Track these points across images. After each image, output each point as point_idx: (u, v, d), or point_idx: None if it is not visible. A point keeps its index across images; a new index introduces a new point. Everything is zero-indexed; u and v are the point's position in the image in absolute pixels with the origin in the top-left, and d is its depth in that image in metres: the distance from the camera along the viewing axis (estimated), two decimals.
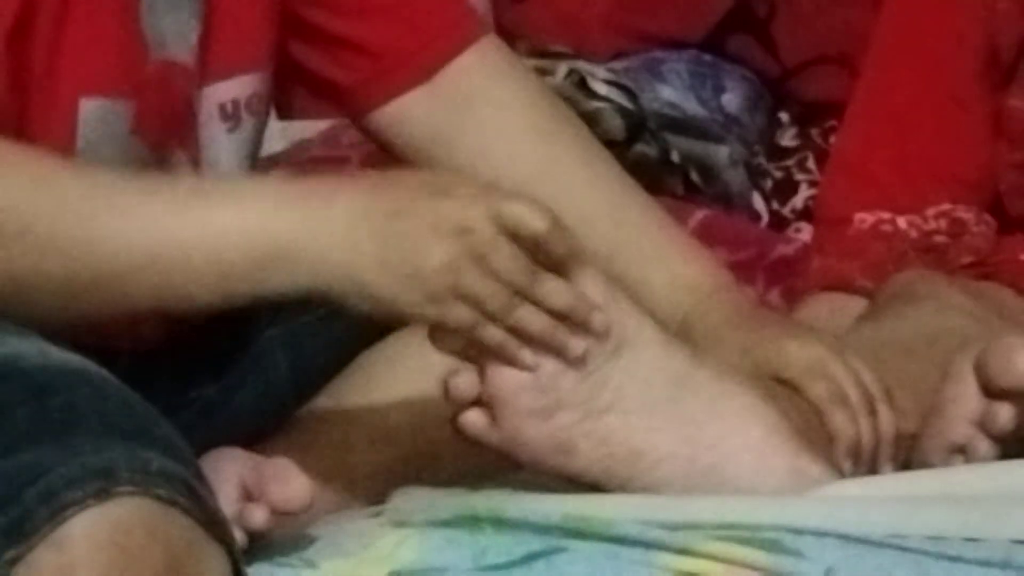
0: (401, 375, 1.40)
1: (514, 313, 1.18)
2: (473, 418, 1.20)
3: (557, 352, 1.19)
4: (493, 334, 1.18)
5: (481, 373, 1.19)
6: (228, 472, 1.22)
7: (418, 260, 1.17)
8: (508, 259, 1.17)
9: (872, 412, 1.37)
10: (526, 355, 1.19)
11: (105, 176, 1.22)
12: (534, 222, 1.17)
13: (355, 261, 1.17)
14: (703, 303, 1.43)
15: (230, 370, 1.45)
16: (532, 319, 1.18)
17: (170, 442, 1.09)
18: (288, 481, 1.21)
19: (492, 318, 1.17)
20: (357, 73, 1.49)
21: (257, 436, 1.35)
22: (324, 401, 1.42)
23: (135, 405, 1.11)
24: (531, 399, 1.20)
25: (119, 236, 1.18)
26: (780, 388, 1.37)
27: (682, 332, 1.43)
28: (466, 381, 1.19)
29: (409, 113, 1.49)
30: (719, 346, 1.43)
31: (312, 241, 1.16)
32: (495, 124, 1.48)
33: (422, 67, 1.49)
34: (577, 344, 1.19)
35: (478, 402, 1.20)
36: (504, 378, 1.19)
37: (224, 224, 1.17)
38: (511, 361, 1.19)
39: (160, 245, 1.17)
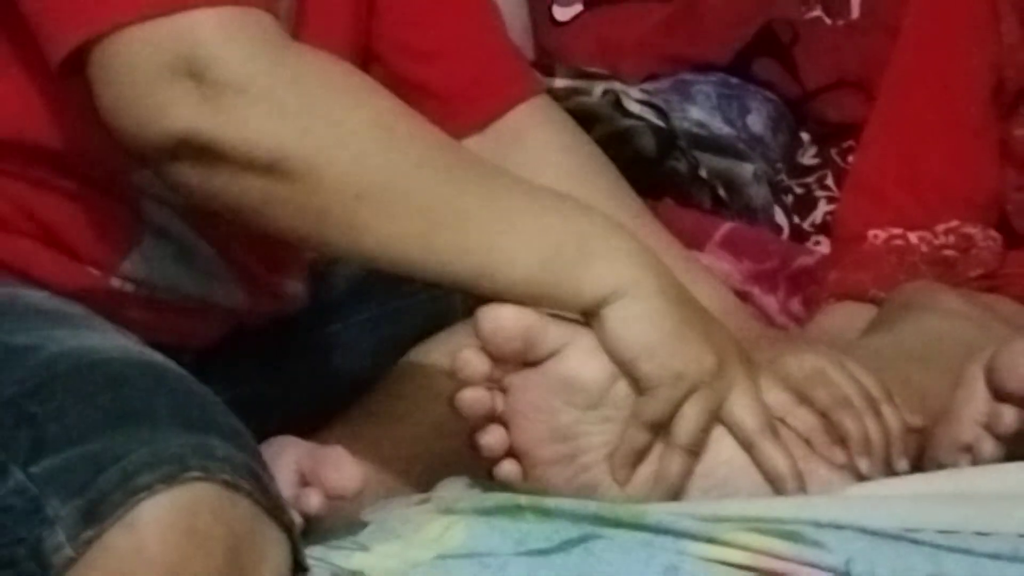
0: (447, 374, 1.41)
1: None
2: (506, 470, 1.20)
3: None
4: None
5: (507, 428, 1.19)
6: (286, 459, 1.22)
7: (702, 351, 1.19)
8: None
9: (877, 411, 1.36)
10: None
11: (462, 160, 1.24)
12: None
13: (659, 307, 1.18)
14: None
15: (286, 366, 1.46)
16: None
17: (234, 431, 1.09)
18: (341, 468, 1.21)
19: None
20: (425, 116, 1.47)
21: (313, 427, 1.35)
22: (376, 395, 1.43)
23: (202, 396, 1.12)
24: (554, 449, 1.19)
25: (466, 214, 1.19)
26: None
27: None
28: (495, 438, 1.19)
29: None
30: None
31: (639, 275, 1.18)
32: (534, 166, 1.46)
33: (482, 114, 1.49)
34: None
35: (508, 453, 1.20)
36: (527, 432, 1.19)
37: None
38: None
39: (496, 246, 1.18)
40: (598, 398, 1.18)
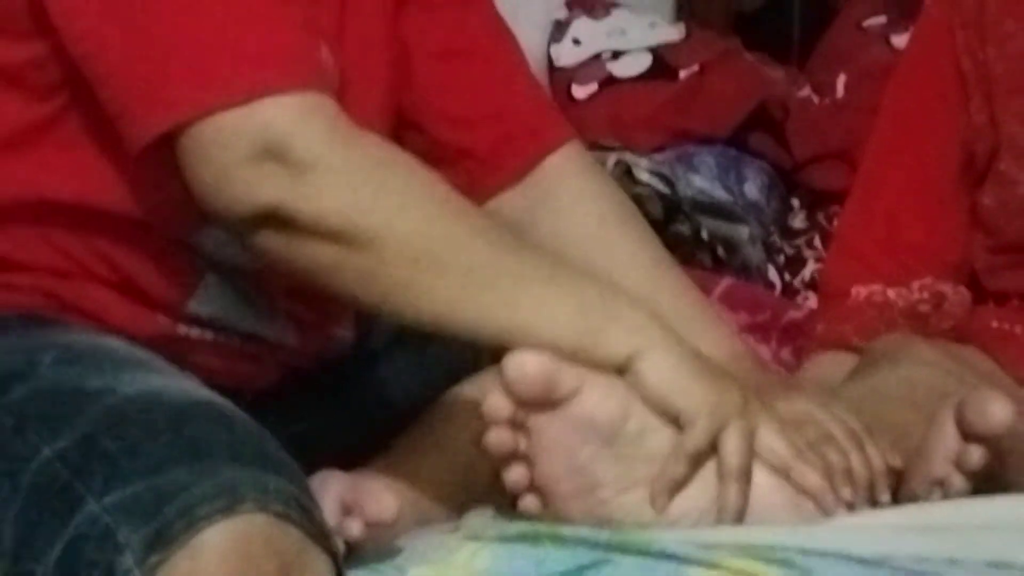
0: (476, 415, 1.40)
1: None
2: (528, 503, 1.20)
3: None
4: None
5: (529, 465, 1.18)
6: (331, 491, 1.22)
7: (727, 387, 1.21)
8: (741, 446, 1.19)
9: (860, 447, 1.35)
10: None
11: (503, 236, 1.23)
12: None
13: (683, 359, 1.19)
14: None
15: (333, 407, 1.45)
16: None
17: (285, 465, 1.09)
18: (380, 499, 1.21)
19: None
20: (463, 175, 1.45)
21: (356, 460, 1.34)
22: (413, 432, 1.42)
23: (256, 434, 1.12)
24: (572, 483, 1.18)
25: (510, 283, 1.19)
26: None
27: None
28: (519, 474, 1.19)
29: (498, 203, 1.48)
30: None
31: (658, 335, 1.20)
32: (567, 214, 1.47)
33: (517, 169, 1.48)
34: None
35: (531, 487, 1.19)
36: (548, 469, 1.18)
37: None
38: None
39: (535, 308, 1.19)
40: (612, 436, 1.17)
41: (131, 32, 1.19)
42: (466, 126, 1.48)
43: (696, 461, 1.18)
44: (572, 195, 1.49)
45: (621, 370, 1.17)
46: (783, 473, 1.21)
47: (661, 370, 1.18)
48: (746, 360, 1.48)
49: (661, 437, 1.19)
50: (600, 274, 1.35)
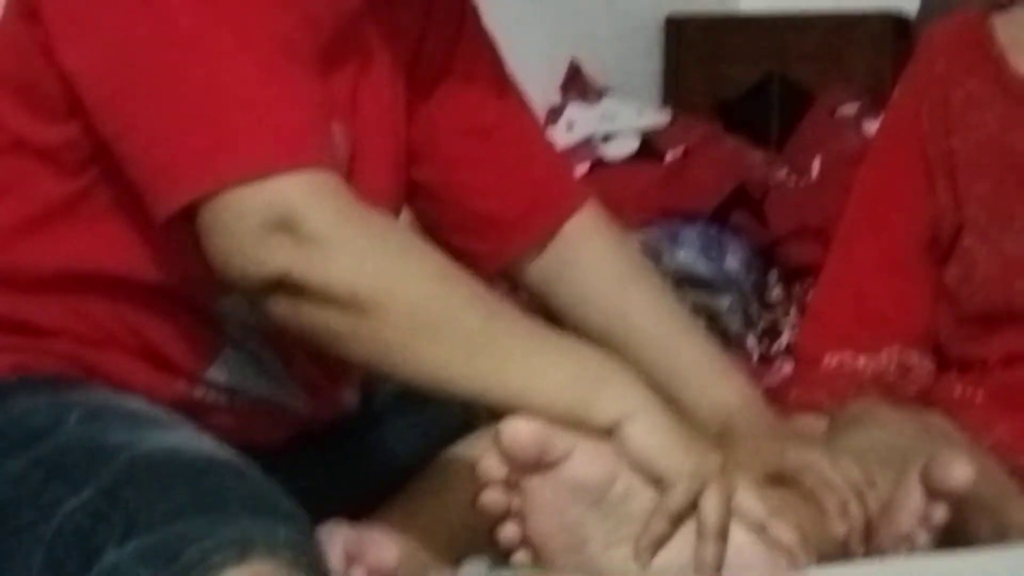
0: (472, 473, 1.40)
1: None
2: (520, 558, 1.19)
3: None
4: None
5: (522, 523, 1.18)
6: (336, 541, 1.21)
7: (707, 452, 1.20)
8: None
9: (861, 496, 1.37)
10: None
11: (484, 290, 1.24)
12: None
13: (664, 424, 1.18)
14: (733, 417, 1.42)
15: (339, 464, 1.45)
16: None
17: (294, 517, 1.09)
18: (381, 549, 1.22)
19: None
20: (490, 242, 1.48)
21: (360, 512, 1.34)
22: (413, 488, 1.42)
23: (268, 487, 1.12)
24: (563, 540, 1.18)
25: (503, 351, 1.19)
26: (773, 490, 1.37)
27: (718, 439, 1.42)
28: (512, 532, 1.18)
29: (523, 266, 1.49)
30: (739, 449, 1.41)
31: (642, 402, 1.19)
32: (588, 275, 1.48)
33: (542, 235, 1.48)
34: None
35: (523, 543, 1.19)
36: (540, 526, 1.18)
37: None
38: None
39: (526, 376, 1.19)
40: (600, 497, 1.17)
41: (155, 112, 1.20)
42: (493, 197, 1.48)
43: (676, 520, 1.18)
44: (592, 256, 1.49)
45: (609, 433, 1.17)
46: (758, 530, 1.21)
47: (645, 435, 1.17)
48: (759, 405, 1.49)
49: (645, 497, 1.18)
50: (620, 331, 1.40)
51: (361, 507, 1.37)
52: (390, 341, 1.18)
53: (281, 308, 1.18)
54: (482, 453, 1.21)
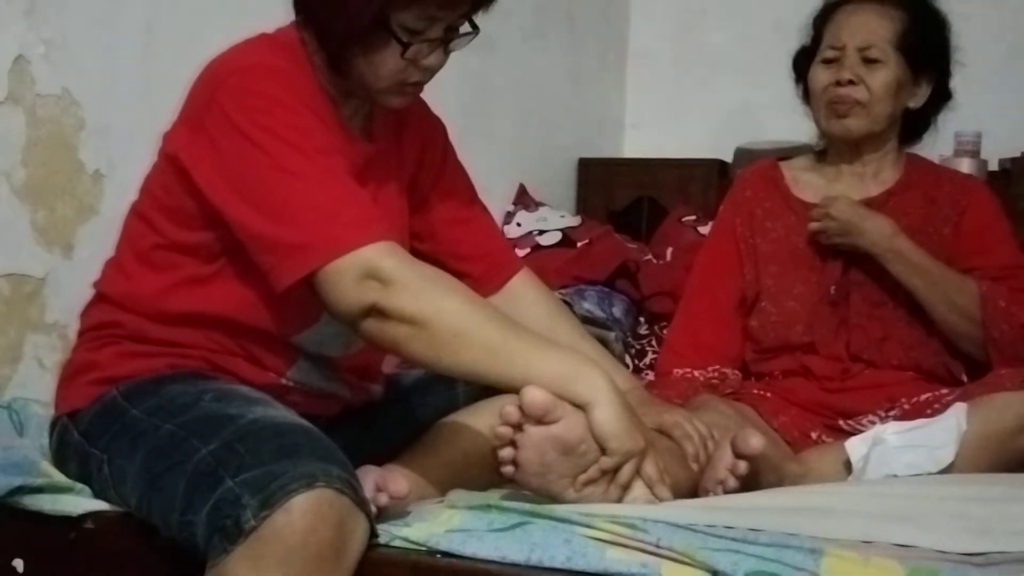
0: (463, 433, 1.39)
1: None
2: (507, 470, 1.20)
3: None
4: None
5: (516, 450, 1.19)
6: (368, 477, 1.20)
7: (638, 438, 1.20)
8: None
9: (706, 441, 1.40)
10: None
11: (498, 311, 1.25)
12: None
13: (619, 414, 1.18)
14: (627, 394, 1.38)
15: (372, 427, 1.43)
16: None
17: (343, 461, 1.08)
18: (398, 483, 1.20)
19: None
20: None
21: (381, 460, 1.32)
22: (416, 445, 1.40)
23: (326, 443, 1.11)
24: (537, 468, 1.18)
25: (510, 351, 1.19)
26: (659, 438, 1.38)
27: None
28: (508, 453, 1.19)
29: None
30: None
31: (607, 395, 1.19)
32: (528, 311, 1.46)
33: (496, 286, 1.48)
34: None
35: (512, 463, 1.19)
36: (526, 457, 1.18)
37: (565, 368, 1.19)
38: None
39: (527, 366, 1.18)
40: (570, 449, 1.17)
41: (269, 218, 1.19)
42: (467, 261, 1.47)
43: (605, 474, 1.19)
44: (530, 299, 1.49)
45: (583, 408, 1.18)
46: (649, 485, 1.22)
47: (603, 418, 1.18)
48: (641, 389, 1.51)
49: (593, 457, 1.19)
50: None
51: (384, 457, 1.35)
52: (438, 346, 1.18)
53: (371, 328, 1.19)
54: (470, 422, 1.27)
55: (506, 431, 1.19)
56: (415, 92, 1.31)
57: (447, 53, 1.28)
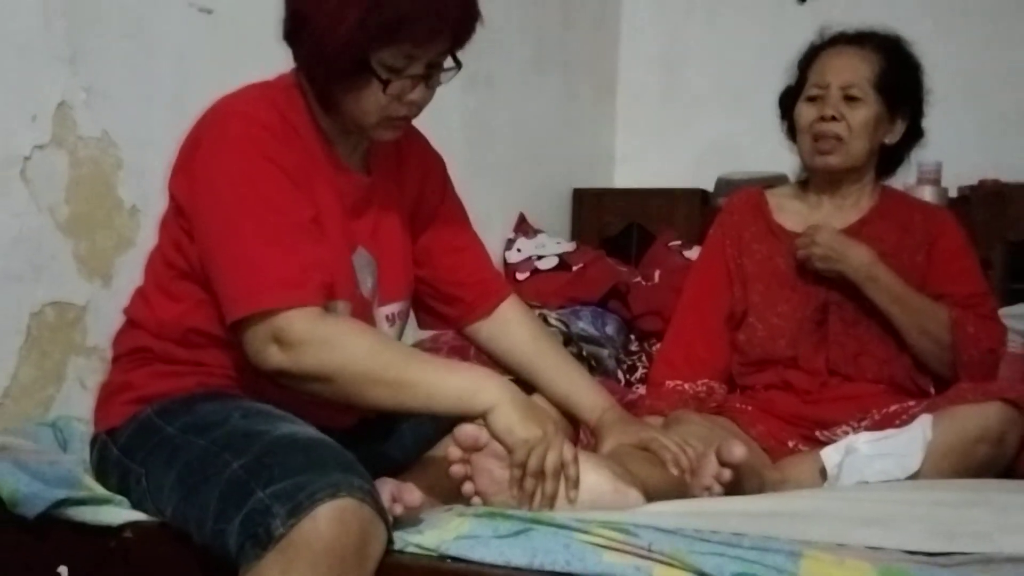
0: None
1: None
2: (476, 500, 1.22)
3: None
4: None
5: (472, 480, 1.21)
6: (385, 488, 1.18)
7: (533, 428, 1.20)
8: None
9: (683, 451, 1.38)
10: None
11: (402, 349, 1.25)
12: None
13: (512, 412, 1.19)
14: (605, 413, 1.41)
15: (387, 436, 1.43)
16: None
17: (362, 473, 1.08)
18: (411, 493, 1.18)
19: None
20: (458, 311, 1.47)
21: (397, 472, 1.32)
22: (428, 456, 1.40)
23: (347, 456, 1.11)
24: (494, 487, 1.21)
25: (413, 383, 1.19)
26: (634, 452, 1.37)
27: (596, 426, 1.44)
28: (468, 487, 1.21)
29: (477, 329, 1.47)
30: (610, 433, 1.41)
31: (501, 398, 1.20)
32: (515, 333, 1.46)
33: (487, 310, 1.47)
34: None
35: (476, 492, 1.22)
36: (481, 480, 1.21)
37: (464, 385, 1.20)
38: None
39: (430, 394, 1.20)
40: (504, 456, 1.20)
41: (215, 264, 1.21)
42: (460, 287, 1.46)
43: (519, 469, 1.20)
44: (516, 322, 1.48)
45: (484, 418, 1.20)
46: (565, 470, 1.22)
47: (495, 418, 1.19)
48: (617, 407, 1.49)
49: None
50: (536, 367, 1.41)
51: (398, 465, 1.35)
52: (348, 392, 1.20)
53: (284, 379, 1.21)
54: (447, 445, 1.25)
55: (458, 469, 1.21)
56: (404, 125, 1.29)
57: (430, 88, 1.26)
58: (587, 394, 1.46)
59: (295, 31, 1.24)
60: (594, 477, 1.23)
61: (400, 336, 1.42)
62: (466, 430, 1.19)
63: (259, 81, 1.30)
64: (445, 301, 1.47)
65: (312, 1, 1.21)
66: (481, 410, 1.19)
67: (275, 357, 1.18)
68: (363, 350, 1.19)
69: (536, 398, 1.40)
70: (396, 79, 1.22)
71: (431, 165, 1.46)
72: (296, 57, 1.27)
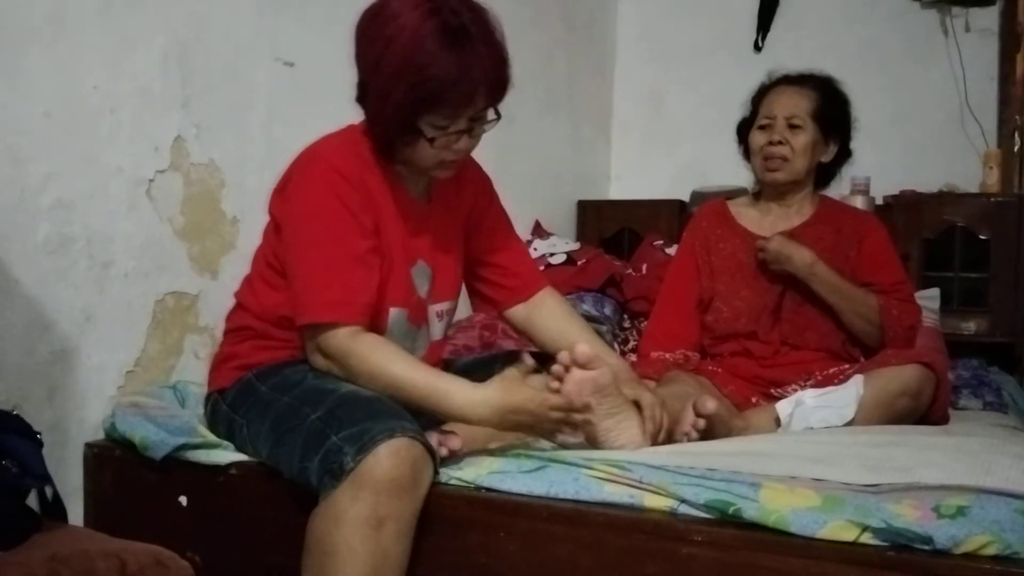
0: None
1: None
2: (557, 399, 1.16)
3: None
4: None
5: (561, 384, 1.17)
6: (432, 436, 1.18)
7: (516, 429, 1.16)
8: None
9: (658, 409, 1.34)
10: None
11: (410, 366, 1.17)
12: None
13: (492, 415, 1.15)
14: (620, 373, 1.36)
15: None
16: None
17: (413, 420, 1.09)
18: (453, 440, 1.19)
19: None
20: (500, 296, 1.44)
21: (441, 423, 1.30)
22: None
23: (400, 408, 1.11)
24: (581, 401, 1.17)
25: (410, 389, 1.16)
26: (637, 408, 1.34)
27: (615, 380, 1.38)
28: (556, 384, 1.18)
29: (516, 312, 1.44)
30: (624, 387, 1.35)
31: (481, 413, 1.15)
32: (549, 315, 1.42)
33: (526, 296, 1.43)
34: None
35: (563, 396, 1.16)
36: (568, 388, 1.17)
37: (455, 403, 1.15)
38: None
39: (424, 396, 1.15)
40: (601, 391, 1.19)
41: (292, 274, 1.21)
42: (505, 277, 1.43)
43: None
44: (550, 306, 1.44)
45: (457, 417, 1.15)
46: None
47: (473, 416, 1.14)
48: (629, 370, 1.45)
49: (612, 403, 1.21)
50: (566, 342, 1.31)
51: (441, 422, 1.33)
52: (363, 382, 1.16)
53: (333, 369, 1.18)
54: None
55: (559, 370, 1.18)
56: (455, 166, 1.26)
57: (474, 137, 1.22)
58: (607, 358, 1.43)
59: (361, 96, 1.24)
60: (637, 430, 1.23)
61: (448, 327, 1.39)
62: (586, 348, 1.15)
63: (348, 126, 1.30)
64: (492, 288, 1.45)
65: (371, 73, 1.19)
66: (456, 409, 1.15)
67: (318, 361, 1.19)
68: (380, 366, 1.16)
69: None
70: (442, 135, 1.20)
71: (481, 183, 1.44)
72: (365, 116, 1.26)
